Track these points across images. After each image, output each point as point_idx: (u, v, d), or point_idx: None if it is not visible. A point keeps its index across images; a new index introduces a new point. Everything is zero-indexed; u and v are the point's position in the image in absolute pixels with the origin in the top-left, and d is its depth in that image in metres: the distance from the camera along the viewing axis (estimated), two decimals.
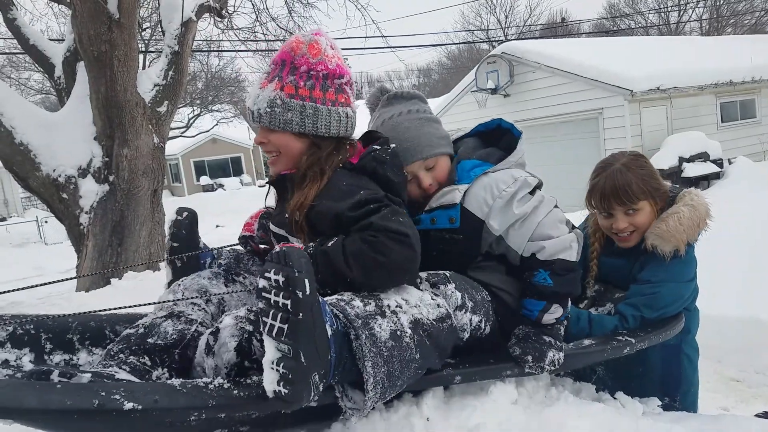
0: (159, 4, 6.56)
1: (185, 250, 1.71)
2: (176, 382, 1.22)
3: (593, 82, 11.33)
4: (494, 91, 13.04)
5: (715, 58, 12.73)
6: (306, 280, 1.13)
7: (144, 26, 12.17)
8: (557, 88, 12.17)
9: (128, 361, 1.36)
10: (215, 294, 1.58)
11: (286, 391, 1.12)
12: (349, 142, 1.59)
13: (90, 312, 1.51)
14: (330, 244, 1.37)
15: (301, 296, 1.12)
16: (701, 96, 12.13)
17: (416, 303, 1.35)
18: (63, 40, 6.82)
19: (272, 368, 1.14)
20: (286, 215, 1.49)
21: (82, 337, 1.61)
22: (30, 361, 1.51)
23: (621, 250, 1.98)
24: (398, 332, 1.26)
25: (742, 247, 5.77)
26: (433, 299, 1.39)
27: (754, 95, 13.05)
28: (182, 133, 26.11)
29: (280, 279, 1.14)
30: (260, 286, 1.18)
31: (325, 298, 1.26)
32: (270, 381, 1.14)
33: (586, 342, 1.67)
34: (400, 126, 1.73)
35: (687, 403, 2.07)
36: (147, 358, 1.39)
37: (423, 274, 1.43)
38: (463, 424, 1.31)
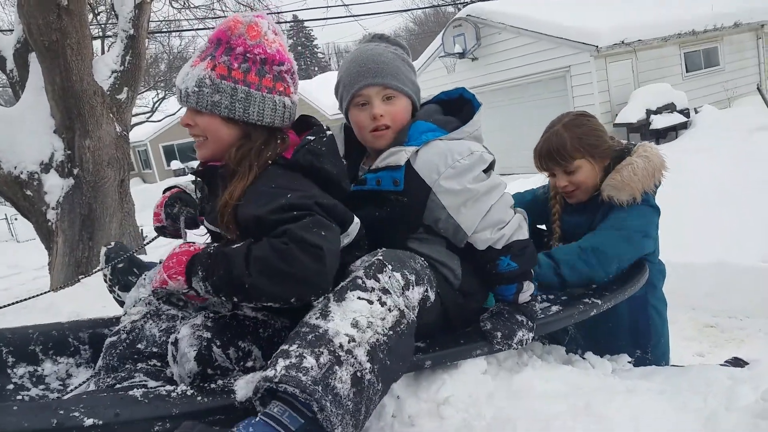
0: None
1: (126, 268, 1.67)
2: (138, 392, 1.20)
3: (559, 40, 11.32)
4: (462, 55, 12.97)
5: (677, 8, 12.78)
6: None
7: (98, 11, 11.80)
8: (523, 49, 12.15)
9: (138, 368, 1.34)
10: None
11: None
12: (281, 137, 1.48)
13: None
14: (234, 246, 1.29)
15: None
16: (665, 47, 12.21)
17: (368, 322, 1.22)
18: (12, 30, 6.58)
19: None
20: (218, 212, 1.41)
21: (45, 347, 1.57)
22: None
23: (580, 207, 2.03)
24: (358, 374, 1.16)
25: (710, 194, 5.90)
26: (382, 305, 1.26)
27: (716, 43, 13.17)
28: (148, 118, 25.54)
29: None
30: None
31: (269, 375, 1.13)
32: None
33: (554, 308, 1.68)
34: (371, 50, 1.63)
35: (658, 354, 2.13)
36: (155, 359, 1.37)
37: (360, 271, 1.31)
38: (433, 398, 1.33)
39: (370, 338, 1.20)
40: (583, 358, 1.63)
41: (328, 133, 1.52)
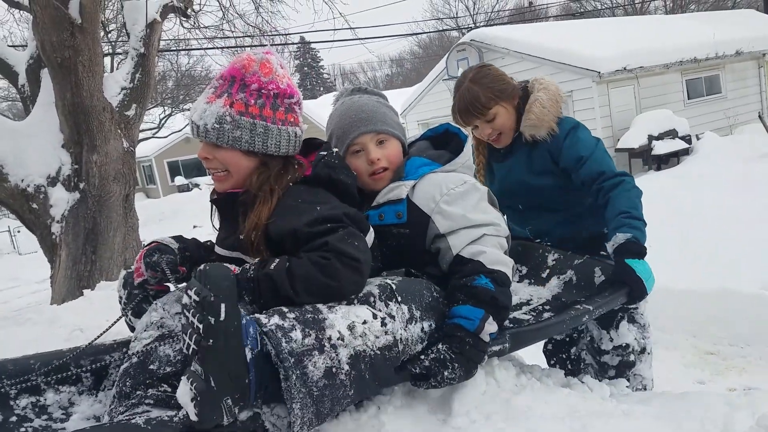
0: (123, 6, 6.46)
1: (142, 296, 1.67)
2: (140, 420, 1.21)
3: (561, 65, 11.43)
4: None
5: (679, 36, 12.92)
6: (222, 305, 1.11)
7: (109, 28, 11.97)
8: (526, 74, 12.13)
9: (149, 394, 1.35)
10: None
11: (196, 411, 1.12)
12: (297, 163, 1.57)
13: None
14: (272, 266, 1.34)
15: (213, 322, 1.10)
16: (667, 74, 12.31)
17: (363, 332, 1.29)
18: (26, 46, 6.68)
19: (186, 384, 1.14)
20: (241, 236, 1.46)
21: (47, 377, 1.56)
22: None
23: (505, 151, 2.24)
24: (334, 369, 1.23)
25: (711, 221, 5.91)
26: (383, 325, 1.32)
27: (718, 71, 13.28)
28: (154, 134, 25.72)
29: (198, 300, 1.13)
30: (183, 302, 1.17)
31: (263, 321, 1.22)
32: (183, 395, 1.15)
33: (545, 315, 1.69)
34: (357, 102, 1.76)
35: None
36: (165, 385, 1.38)
37: (375, 289, 1.37)
38: (430, 417, 1.35)
39: (358, 346, 1.27)
40: (582, 382, 1.64)
41: (335, 149, 1.59)
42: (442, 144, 1.82)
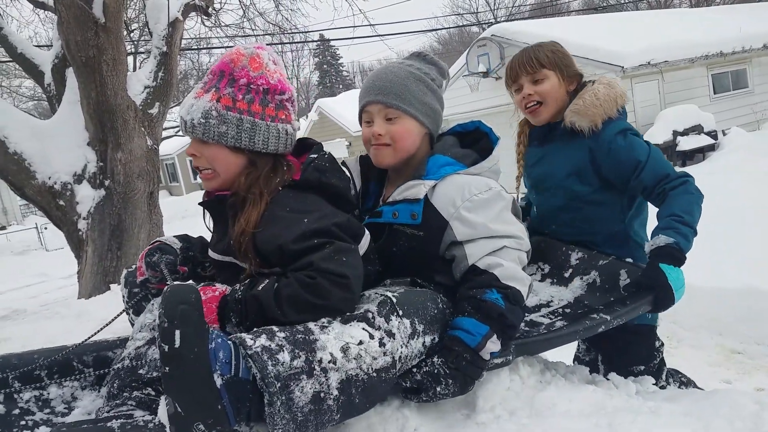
0: (145, 5, 6.53)
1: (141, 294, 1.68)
2: (116, 423, 1.20)
3: (584, 60, 11.27)
4: (486, 74, 12.98)
5: (705, 30, 12.68)
6: (176, 332, 1.07)
7: (132, 27, 12.12)
8: None
9: (133, 396, 1.35)
10: None
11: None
12: (286, 163, 1.50)
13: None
14: (261, 287, 1.30)
15: (167, 350, 1.07)
16: (693, 68, 12.10)
17: (357, 353, 1.22)
18: (51, 46, 6.80)
19: (163, 405, 1.12)
20: (231, 241, 1.41)
21: (50, 372, 1.57)
22: None
23: (543, 134, 2.07)
24: (322, 394, 1.17)
25: (738, 218, 5.80)
26: (380, 345, 1.25)
27: (745, 65, 13.02)
28: (177, 132, 25.96)
29: (158, 324, 1.09)
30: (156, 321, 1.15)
31: (248, 342, 1.17)
32: (162, 414, 1.13)
33: (558, 324, 1.61)
34: (389, 68, 1.64)
35: None
36: (150, 388, 1.36)
37: (373, 305, 1.31)
38: (455, 413, 1.34)
39: (351, 370, 1.20)
40: (607, 379, 1.62)
41: (327, 151, 1.54)
42: (470, 143, 1.69)
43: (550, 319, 1.68)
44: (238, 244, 1.38)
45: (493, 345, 1.34)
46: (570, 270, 1.92)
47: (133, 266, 1.72)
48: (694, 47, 11.92)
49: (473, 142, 1.69)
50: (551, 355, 1.78)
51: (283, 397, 1.13)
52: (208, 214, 1.60)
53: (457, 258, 1.49)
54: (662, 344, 2.13)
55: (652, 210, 1.97)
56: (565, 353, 2.33)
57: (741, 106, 12.74)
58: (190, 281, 1.30)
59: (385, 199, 1.62)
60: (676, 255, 1.70)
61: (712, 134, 10.67)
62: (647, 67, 11.15)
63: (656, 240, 1.73)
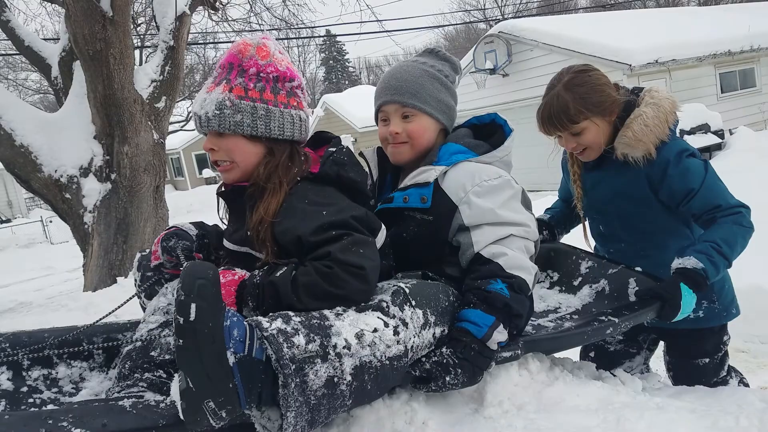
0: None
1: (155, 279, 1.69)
2: (127, 402, 1.22)
3: (591, 58, 11.24)
4: (493, 71, 12.97)
5: (713, 29, 12.63)
6: (192, 305, 1.08)
7: (139, 21, 12.14)
8: (555, 66, 12.08)
9: (144, 378, 1.37)
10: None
11: (182, 408, 1.10)
12: (303, 153, 1.51)
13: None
14: (278, 274, 1.32)
15: (182, 322, 1.07)
16: (700, 67, 12.06)
17: (371, 341, 1.23)
18: (58, 39, 6.82)
19: (176, 381, 1.13)
20: (248, 232, 1.42)
21: (60, 351, 1.59)
22: (8, 379, 1.51)
23: (597, 162, 1.96)
24: (335, 379, 1.18)
25: None
26: (395, 333, 1.26)
27: (753, 64, 12.96)
28: (182, 126, 26.00)
29: (175, 298, 1.10)
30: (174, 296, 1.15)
31: (264, 325, 1.18)
32: (174, 391, 1.13)
33: (566, 325, 1.61)
34: (403, 66, 1.66)
35: (726, 303, 2.04)
36: (161, 371, 1.38)
37: (387, 296, 1.32)
38: (463, 408, 1.35)
39: (365, 356, 1.21)
40: (614, 375, 1.62)
41: (345, 145, 1.54)
42: (484, 135, 1.71)
43: (558, 323, 1.69)
44: (256, 233, 1.40)
45: (500, 335, 1.35)
46: (579, 278, 1.92)
47: (147, 250, 1.73)
48: (702, 46, 11.88)
49: (488, 135, 1.70)
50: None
51: (298, 380, 1.13)
52: (222, 204, 1.61)
53: (464, 245, 1.51)
54: (729, 337, 2.12)
55: None
56: (572, 350, 2.34)
57: (748, 105, 12.70)
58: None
59: (397, 187, 1.64)
60: (699, 281, 1.67)
61: (719, 133, 10.63)
62: (655, 65, 11.11)
63: (686, 261, 1.70)
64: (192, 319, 1.07)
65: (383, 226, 1.51)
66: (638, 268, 1.81)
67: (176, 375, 1.13)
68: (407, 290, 1.33)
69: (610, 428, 1.24)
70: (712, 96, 12.27)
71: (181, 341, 1.08)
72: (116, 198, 5.52)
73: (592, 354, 2.32)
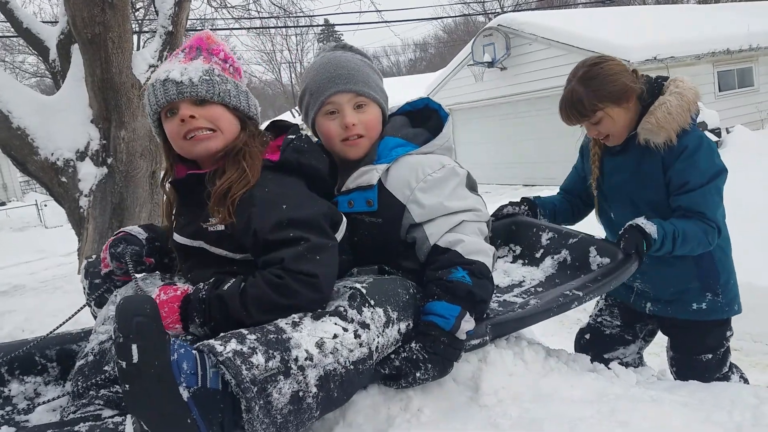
0: None
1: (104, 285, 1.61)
2: (84, 427, 1.17)
3: (590, 53, 11.18)
4: (491, 64, 12.97)
5: (712, 27, 12.65)
6: (133, 347, 0.99)
7: (138, 6, 12.05)
8: (554, 60, 12.11)
9: (100, 394, 1.32)
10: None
11: None
12: (259, 133, 1.51)
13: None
14: (226, 287, 1.28)
15: (125, 366, 0.99)
16: (698, 65, 12.08)
17: (333, 347, 1.18)
18: (56, 22, 6.76)
19: (130, 425, 1.07)
20: (203, 224, 1.37)
21: (11, 368, 1.53)
22: None
23: (620, 147, 2.04)
24: (300, 393, 1.13)
25: (739, 216, 5.80)
26: (356, 337, 1.22)
27: (751, 63, 13.00)
28: None
29: (113, 339, 1.03)
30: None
31: (218, 349, 1.10)
32: None
33: (532, 302, 1.58)
34: (339, 57, 1.59)
35: (730, 297, 2.12)
36: (117, 386, 1.32)
37: (344, 300, 1.27)
38: (458, 396, 1.36)
39: (329, 365, 1.17)
40: (608, 368, 1.64)
41: (303, 133, 1.52)
42: (420, 121, 1.66)
43: (523, 298, 1.68)
44: (229, 194, 1.34)
45: (468, 324, 1.33)
46: (541, 250, 1.94)
47: (94, 256, 1.66)
48: (700, 43, 11.90)
49: (424, 120, 1.66)
50: (553, 342, 1.81)
51: (261, 401, 1.08)
52: (173, 196, 1.54)
53: (419, 240, 1.48)
54: (732, 333, 2.17)
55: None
56: (566, 342, 2.36)
57: (746, 104, 12.74)
58: (154, 276, 1.32)
59: (340, 189, 1.58)
60: (649, 240, 1.76)
61: (716, 132, 10.65)
62: (653, 62, 11.12)
63: (648, 226, 1.79)
64: (135, 361, 1.00)
65: (344, 220, 1.48)
66: (598, 237, 1.87)
67: (128, 417, 1.07)
68: (364, 291, 1.29)
69: (604, 419, 1.25)
70: (709, 94, 12.30)
71: (127, 386, 1.00)
72: (112, 182, 5.50)
73: (587, 336, 2.35)
